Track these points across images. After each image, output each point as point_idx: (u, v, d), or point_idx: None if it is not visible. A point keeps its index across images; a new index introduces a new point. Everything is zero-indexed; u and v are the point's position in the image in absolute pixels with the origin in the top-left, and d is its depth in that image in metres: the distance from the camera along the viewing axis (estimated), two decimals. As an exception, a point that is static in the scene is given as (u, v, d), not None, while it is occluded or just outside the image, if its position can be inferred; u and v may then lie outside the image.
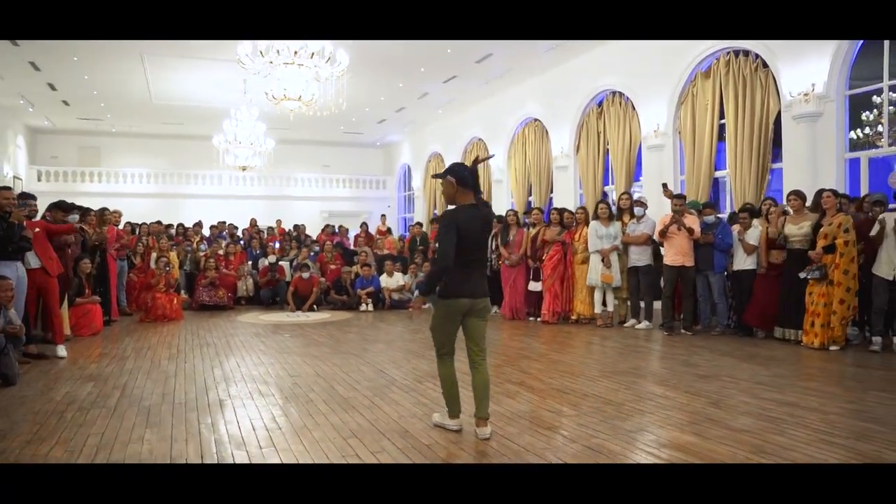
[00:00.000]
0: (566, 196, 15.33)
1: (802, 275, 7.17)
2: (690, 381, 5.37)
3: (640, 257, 8.75)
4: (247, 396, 4.95)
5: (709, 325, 8.39)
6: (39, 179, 21.21)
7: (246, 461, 3.44)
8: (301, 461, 3.45)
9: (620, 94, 13.78)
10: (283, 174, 23.61)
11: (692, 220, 8.12)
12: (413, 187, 24.21)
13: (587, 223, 9.20)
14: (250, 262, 12.91)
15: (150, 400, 4.79)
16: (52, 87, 16.52)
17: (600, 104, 14.50)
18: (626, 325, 8.90)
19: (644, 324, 8.68)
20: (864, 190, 9.39)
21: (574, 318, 9.26)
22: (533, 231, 9.87)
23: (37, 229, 6.66)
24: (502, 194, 18.29)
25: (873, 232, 7.00)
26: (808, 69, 9.93)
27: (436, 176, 4.07)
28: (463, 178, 3.84)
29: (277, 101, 11.24)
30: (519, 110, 17.22)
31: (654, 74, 12.63)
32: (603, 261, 8.78)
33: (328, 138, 23.95)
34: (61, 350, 6.87)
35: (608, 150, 14.24)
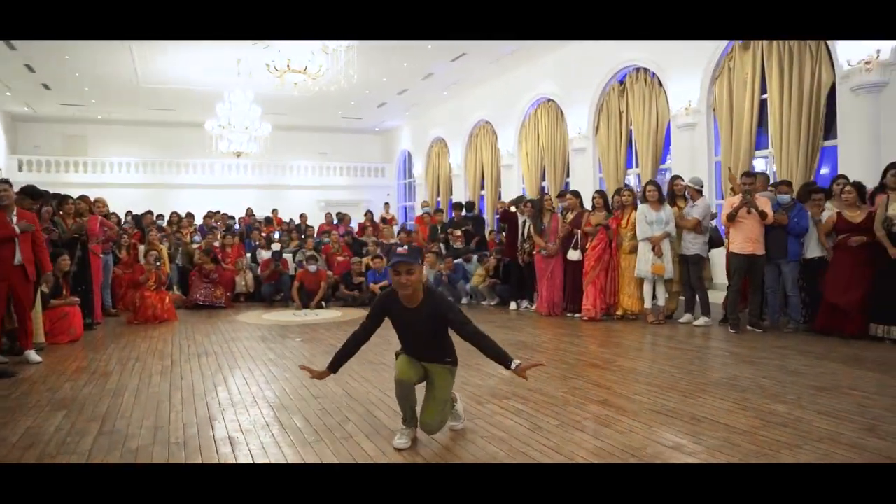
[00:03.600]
0: (584, 180, 14.30)
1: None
2: (812, 397, 4.33)
3: (692, 245, 7.71)
4: (263, 429, 3.85)
5: (777, 322, 7.39)
6: (21, 169, 19.96)
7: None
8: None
9: (645, 70, 12.74)
10: (278, 162, 22.44)
11: (764, 203, 7.07)
12: (414, 174, 23.11)
13: (635, 207, 8.14)
14: (249, 255, 11.78)
15: (137, 439, 3.65)
16: (31, 69, 15.30)
17: (622, 81, 13.47)
18: (681, 321, 7.86)
19: (703, 320, 7.63)
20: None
21: (619, 313, 8.21)
22: (570, 216, 8.82)
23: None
24: (512, 179, 17.27)
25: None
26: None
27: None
28: None
29: (280, 74, 10.09)
30: (531, 90, 16.17)
31: (683, 48, 11.58)
32: (654, 249, 7.72)
33: (325, 124, 22.77)
34: (33, 356, 5.89)
35: (631, 130, 13.22)
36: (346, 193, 23.32)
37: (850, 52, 9.21)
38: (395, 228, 14.45)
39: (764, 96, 10.52)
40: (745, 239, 7.04)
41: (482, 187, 18.93)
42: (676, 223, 7.75)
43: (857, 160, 9.12)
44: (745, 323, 7.24)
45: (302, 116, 21.02)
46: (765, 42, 10.35)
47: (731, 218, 7.06)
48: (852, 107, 9.31)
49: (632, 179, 13.62)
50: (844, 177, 7.64)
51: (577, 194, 9.07)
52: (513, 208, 9.82)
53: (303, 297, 10.11)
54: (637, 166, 13.25)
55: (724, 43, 11.07)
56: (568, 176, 15.35)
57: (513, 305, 9.70)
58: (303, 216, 15.44)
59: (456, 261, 10.68)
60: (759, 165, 11.19)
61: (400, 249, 3.46)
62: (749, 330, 7.13)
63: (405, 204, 24.68)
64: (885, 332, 6.40)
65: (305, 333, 7.78)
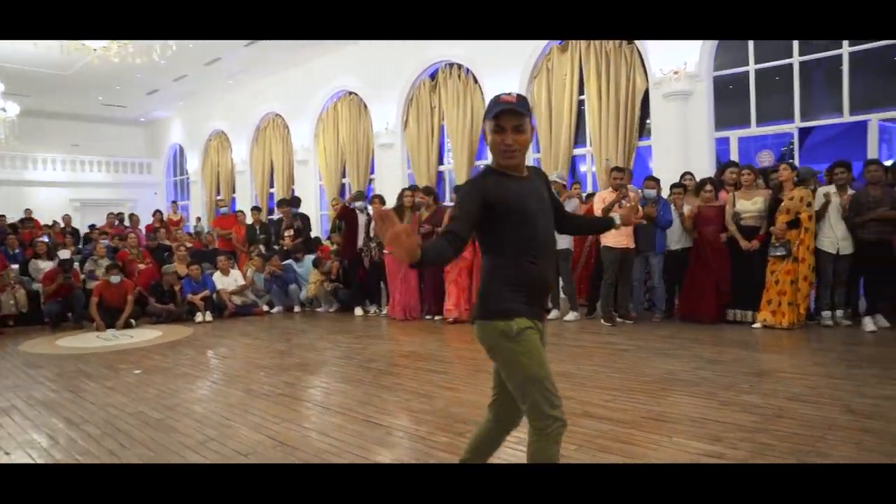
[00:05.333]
0: (392, 177, 13.92)
1: (772, 253, 6.68)
2: (761, 383, 4.37)
3: (561, 240, 7.68)
4: None
5: (641, 312, 7.67)
6: None
7: None
8: None
9: (459, 66, 12.69)
10: (21, 154, 18.81)
11: (635, 197, 7.23)
12: (188, 171, 20.89)
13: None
14: (16, 267, 9.48)
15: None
16: None
17: (433, 76, 13.29)
18: (549, 317, 7.80)
19: (572, 314, 7.64)
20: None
21: (484, 313, 7.92)
22: (425, 214, 8.34)
23: None
24: (308, 176, 16.29)
25: (817, 206, 6.71)
26: (676, 47, 9.67)
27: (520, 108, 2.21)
28: None
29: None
30: (330, 83, 15.35)
31: (499, 46, 11.72)
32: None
33: (80, 111, 19.56)
34: None
35: (444, 126, 13.12)
36: (106, 192, 20.31)
37: (661, 62, 9.95)
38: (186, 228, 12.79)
39: (582, 97, 10.99)
40: (620, 234, 7.14)
41: (271, 185, 17.65)
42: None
43: (667, 159, 9.87)
44: (617, 316, 7.37)
45: (52, 100, 17.81)
46: (582, 45, 10.80)
47: (606, 212, 7.12)
48: (664, 111, 10.07)
49: (445, 176, 13.54)
50: (734, 163, 8.13)
51: (429, 191, 8.61)
52: (355, 204, 9.06)
53: (104, 314, 8.33)
54: (451, 163, 13.17)
55: (542, 43, 11.37)
56: (373, 173, 14.83)
57: (358, 311, 8.96)
58: (66, 218, 13.02)
59: (286, 261, 9.63)
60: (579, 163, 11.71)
61: (504, 96, 2.22)
62: (620, 322, 7.26)
63: (181, 203, 22.24)
64: (741, 317, 6.92)
65: (133, 359, 6.34)
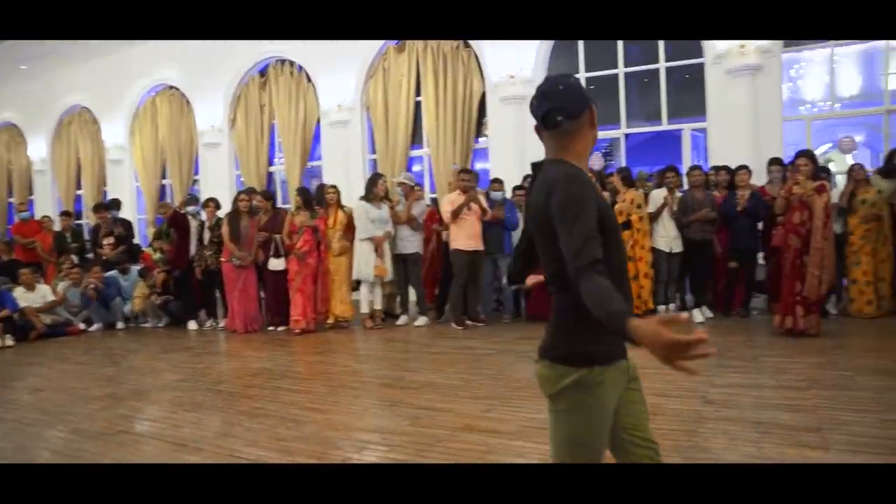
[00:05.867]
0: (219, 178, 13.11)
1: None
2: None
3: (409, 243, 7.58)
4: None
5: (491, 314, 7.76)
6: None
7: None
8: None
9: (291, 63, 12.20)
10: None
11: (482, 199, 7.29)
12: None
13: (340, 206, 7.65)
14: None
15: None
16: None
17: (263, 73, 12.66)
18: (398, 322, 7.65)
19: (422, 319, 7.55)
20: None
21: (331, 321, 7.61)
22: (263, 218, 7.84)
23: None
24: (123, 177, 14.86)
25: (651, 208, 7.18)
26: (511, 52, 9.98)
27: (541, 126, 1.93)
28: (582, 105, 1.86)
29: None
30: (148, 75, 14.09)
31: (334, 44, 11.40)
32: (376, 250, 7.33)
33: None
34: None
35: (275, 124, 12.56)
36: None
37: (498, 66, 10.20)
38: None
39: (419, 98, 10.98)
40: (468, 236, 7.16)
41: (78, 186, 15.90)
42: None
43: (504, 164, 10.14)
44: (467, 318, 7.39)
45: None
46: (419, 46, 10.80)
47: (456, 215, 7.11)
48: (501, 114, 10.34)
49: (276, 177, 12.98)
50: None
51: (268, 196, 8.11)
52: (187, 209, 8.32)
53: None
54: (283, 162, 12.62)
55: (378, 43, 11.21)
56: (197, 174, 13.85)
57: (192, 325, 8.23)
58: None
59: (108, 273, 8.65)
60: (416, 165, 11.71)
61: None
62: (471, 325, 7.29)
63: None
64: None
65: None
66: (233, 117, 12.98)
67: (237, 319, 7.72)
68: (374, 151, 11.53)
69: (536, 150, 9.55)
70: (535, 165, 1.96)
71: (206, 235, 8.01)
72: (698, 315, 6.93)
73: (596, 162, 10.60)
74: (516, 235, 7.54)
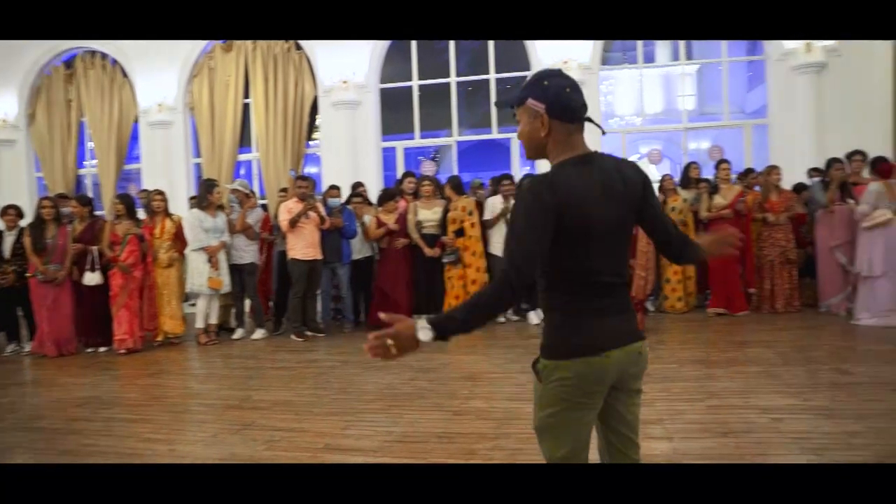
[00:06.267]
0: (14, 181, 11.74)
1: (444, 259, 7.19)
2: (475, 389, 4.66)
3: (245, 253, 7.23)
4: None
5: (330, 324, 7.62)
6: None
7: None
8: None
9: (104, 55, 11.19)
10: None
11: (320, 207, 7.12)
12: None
13: (168, 214, 7.13)
14: None
15: None
16: None
17: (70, 64, 11.49)
18: (234, 336, 7.26)
19: (259, 332, 7.22)
20: (398, 175, 9.95)
21: (160, 339, 7.06)
22: (80, 227, 7.08)
23: None
24: None
25: (488, 216, 7.44)
26: (344, 57, 9.93)
27: (503, 104, 1.96)
28: (565, 106, 1.82)
29: None
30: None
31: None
32: (210, 261, 6.89)
33: None
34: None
35: (84, 122, 11.46)
36: None
37: (330, 71, 10.08)
38: None
39: (248, 100, 10.55)
40: (307, 245, 6.96)
41: None
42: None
43: (338, 168, 10.06)
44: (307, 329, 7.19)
45: None
46: (248, 46, 10.38)
47: (294, 223, 6.88)
48: (333, 119, 10.23)
49: (88, 180, 11.84)
50: (410, 172, 8.39)
51: (84, 201, 7.33)
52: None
53: None
54: (93, 162, 11.53)
55: (202, 41, 10.61)
56: (-13, 174, 12.27)
57: (-11, 349, 7.26)
58: None
59: None
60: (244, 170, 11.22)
61: None
62: (311, 336, 7.10)
63: None
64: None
65: None
66: (31, 112, 11.64)
67: (48, 342, 6.90)
68: (198, 155, 10.90)
69: (369, 156, 9.73)
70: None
71: (6, 248, 7.10)
72: (534, 317, 7.29)
73: (428, 168, 10.84)
74: (354, 243, 7.47)
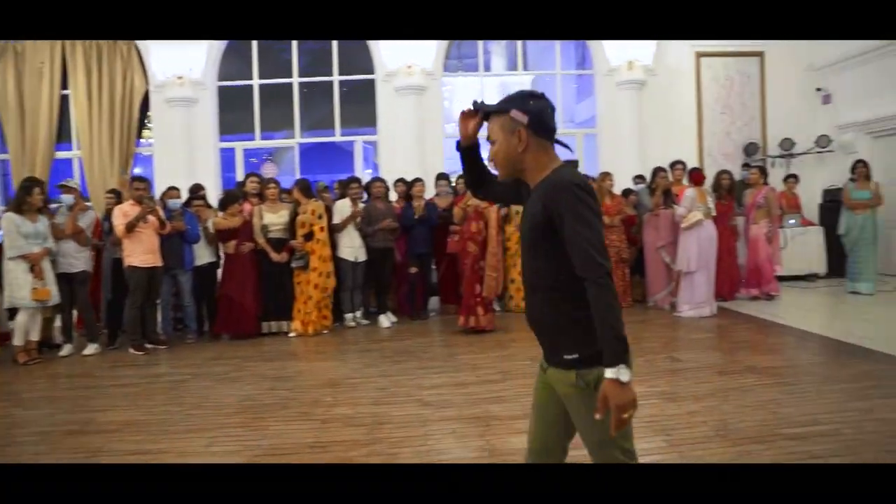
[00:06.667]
0: None
1: (294, 264, 7.02)
2: (338, 395, 4.61)
3: (76, 261, 6.58)
4: None
5: (171, 334, 7.15)
6: None
7: None
8: None
9: None
10: None
11: (160, 210, 6.65)
12: None
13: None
14: None
15: None
16: None
17: None
18: (61, 353, 6.58)
19: (92, 347, 6.60)
20: (239, 176, 9.63)
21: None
22: None
23: None
24: None
25: (337, 219, 7.37)
26: (179, 52, 9.42)
27: (481, 106, 2.09)
28: (545, 123, 1.94)
29: None
30: None
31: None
32: (33, 269, 6.18)
33: None
34: None
35: None
36: None
37: (164, 65, 9.51)
38: None
39: (66, 91, 9.64)
40: (145, 251, 6.48)
41: None
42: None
43: (172, 167, 9.51)
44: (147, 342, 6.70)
45: None
46: (65, 33, 9.48)
47: (131, 228, 6.38)
48: (167, 116, 9.66)
49: None
50: (253, 174, 7.97)
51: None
52: None
53: None
54: None
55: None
56: None
57: None
58: None
59: None
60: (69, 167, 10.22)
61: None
62: (151, 348, 6.64)
63: None
64: (276, 328, 7.15)
65: None
66: None
67: None
68: (5, 150, 9.79)
69: (206, 156, 9.42)
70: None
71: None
72: (384, 321, 7.33)
73: (269, 170, 10.53)
74: (197, 248, 7.10)
